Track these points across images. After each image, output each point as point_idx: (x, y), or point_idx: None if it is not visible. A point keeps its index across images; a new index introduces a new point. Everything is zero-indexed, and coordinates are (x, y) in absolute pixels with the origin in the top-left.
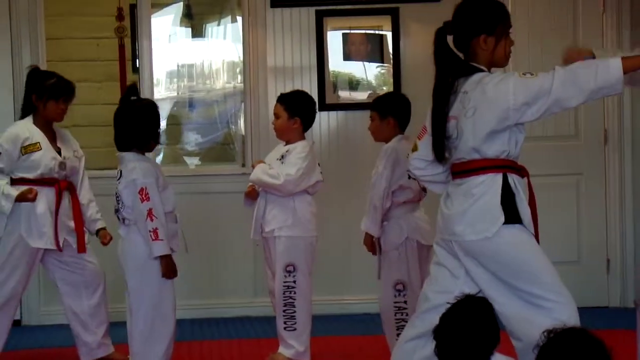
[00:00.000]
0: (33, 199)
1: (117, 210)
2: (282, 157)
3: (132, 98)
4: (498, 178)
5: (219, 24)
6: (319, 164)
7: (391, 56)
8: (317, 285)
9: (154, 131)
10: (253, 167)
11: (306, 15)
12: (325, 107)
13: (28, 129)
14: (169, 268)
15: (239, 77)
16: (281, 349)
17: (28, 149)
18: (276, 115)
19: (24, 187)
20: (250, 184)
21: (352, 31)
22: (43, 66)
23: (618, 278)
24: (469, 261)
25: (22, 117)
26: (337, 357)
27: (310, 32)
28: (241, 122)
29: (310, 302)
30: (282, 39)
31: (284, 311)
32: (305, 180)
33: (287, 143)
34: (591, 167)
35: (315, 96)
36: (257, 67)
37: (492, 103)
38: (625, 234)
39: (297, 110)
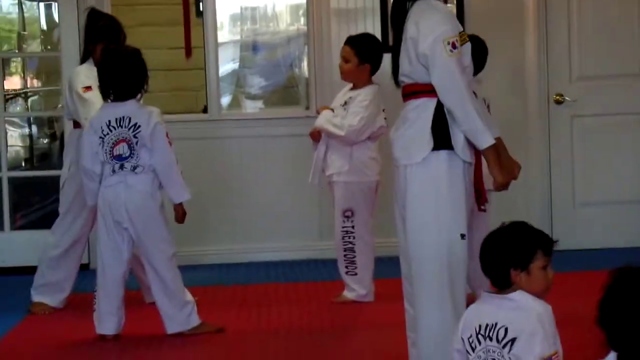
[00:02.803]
0: None
1: (123, 159)
2: (346, 103)
3: (112, 47)
4: (431, 103)
5: None
6: (383, 110)
7: None
8: (381, 227)
9: (145, 77)
10: (318, 112)
11: None
12: (389, 49)
13: (91, 71)
14: (184, 213)
15: (302, 20)
16: (345, 292)
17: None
18: (345, 59)
19: None
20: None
21: None
22: (107, 10)
23: None
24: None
25: (82, 61)
26: (402, 298)
27: None
28: (305, 65)
29: (370, 245)
30: None
31: (344, 256)
32: (368, 129)
33: (354, 86)
34: None
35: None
36: (320, 10)
37: (414, 39)
38: None
39: (368, 56)
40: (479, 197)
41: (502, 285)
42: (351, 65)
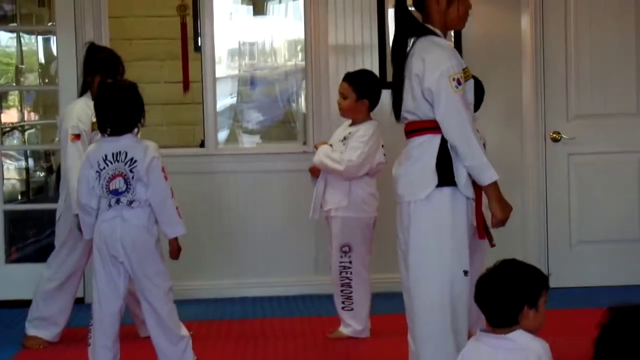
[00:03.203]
0: None
1: (119, 193)
2: (345, 138)
3: (109, 80)
4: (435, 140)
5: (280, 2)
6: (382, 145)
7: (452, 33)
8: (378, 263)
9: (142, 111)
10: (315, 148)
11: None
12: (387, 85)
13: (88, 106)
14: (179, 248)
15: (300, 55)
16: (341, 328)
17: (94, 126)
18: (343, 95)
19: None
20: None
21: (414, 8)
22: (105, 44)
23: None
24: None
25: (81, 94)
26: (398, 334)
27: (371, 9)
28: (302, 100)
29: (367, 281)
30: (344, 16)
31: (341, 291)
32: (368, 164)
33: (353, 122)
34: None
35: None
36: (318, 45)
37: (419, 75)
38: None
39: (365, 91)
40: (487, 233)
41: (504, 323)
42: (349, 101)
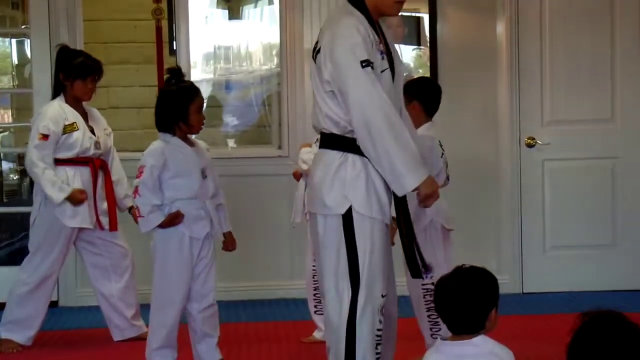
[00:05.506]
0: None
1: None
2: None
3: (172, 81)
4: None
5: (255, 6)
6: None
7: (428, 39)
8: None
9: (175, 114)
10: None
11: None
12: None
13: (62, 109)
14: None
15: (276, 60)
16: (315, 333)
17: (67, 129)
18: None
19: (60, 168)
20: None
21: None
22: (80, 47)
23: None
24: None
25: (54, 96)
26: None
27: None
28: (277, 105)
29: None
30: (319, 20)
31: (314, 295)
32: None
33: None
34: (628, 151)
35: None
36: (294, 49)
37: None
38: None
39: None
40: None
41: (471, 329)
42: None
